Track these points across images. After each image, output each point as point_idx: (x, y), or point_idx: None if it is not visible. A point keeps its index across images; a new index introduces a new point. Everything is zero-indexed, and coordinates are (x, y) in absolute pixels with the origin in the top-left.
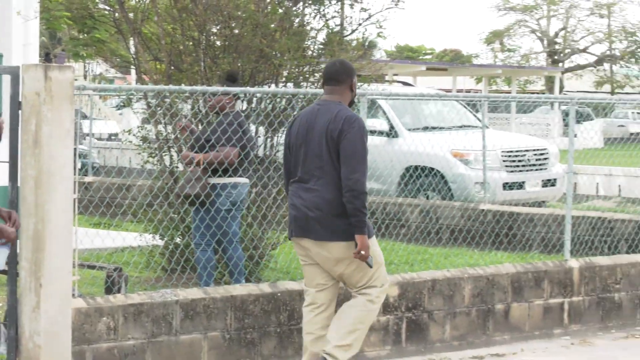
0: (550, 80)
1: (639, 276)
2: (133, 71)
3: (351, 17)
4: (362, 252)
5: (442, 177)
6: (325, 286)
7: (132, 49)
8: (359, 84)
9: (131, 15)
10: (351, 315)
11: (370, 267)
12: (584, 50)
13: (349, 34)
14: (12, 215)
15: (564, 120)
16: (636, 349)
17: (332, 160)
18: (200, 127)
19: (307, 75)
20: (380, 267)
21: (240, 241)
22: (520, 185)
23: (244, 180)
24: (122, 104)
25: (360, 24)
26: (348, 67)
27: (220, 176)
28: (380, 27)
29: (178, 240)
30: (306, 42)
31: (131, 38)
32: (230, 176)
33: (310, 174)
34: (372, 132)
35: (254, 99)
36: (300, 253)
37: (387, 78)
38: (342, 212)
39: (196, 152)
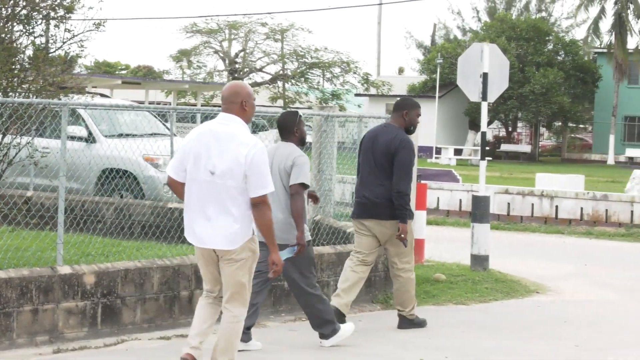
0: None
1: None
2: None
3: (56, 36)
4: (402, 235)
5: (135, 178)
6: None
7: None
8: (63, 95)
9: None
10: (403, 290)
11: (405, 246)
12: (261, 70)
13: (54, 51)
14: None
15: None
16: (303, 330)
17: (389, 167)
18: None
19: (15, 87)
20: (413, 246)
21: None
22: None
23: None
24: None
25: (64, 43)
26: (401, 103)
27: None
28: (82, 45)
29: None
30: (15, 57)
31: None
32: None
33: (373, 173)
34: (72, 138)
35: None
36: (361, 228)
37: (87, 90)
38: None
39: None
